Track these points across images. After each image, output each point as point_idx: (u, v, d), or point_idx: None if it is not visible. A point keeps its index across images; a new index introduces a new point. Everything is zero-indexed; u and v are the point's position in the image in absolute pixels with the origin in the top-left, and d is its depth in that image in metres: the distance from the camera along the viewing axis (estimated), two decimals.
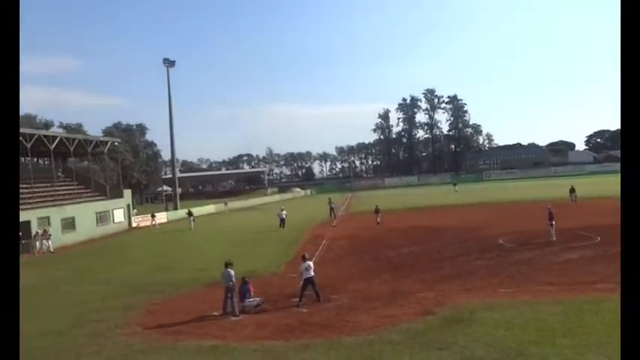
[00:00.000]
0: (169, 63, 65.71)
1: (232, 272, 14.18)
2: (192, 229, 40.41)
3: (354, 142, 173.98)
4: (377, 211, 34.16)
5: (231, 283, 13.91)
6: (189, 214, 44.61)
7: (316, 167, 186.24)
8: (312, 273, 14.70)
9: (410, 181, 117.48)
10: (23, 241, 31.24)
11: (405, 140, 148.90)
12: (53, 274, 22.27)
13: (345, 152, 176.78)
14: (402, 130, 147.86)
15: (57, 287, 18.04)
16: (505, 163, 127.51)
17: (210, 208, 64.26)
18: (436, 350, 9.63)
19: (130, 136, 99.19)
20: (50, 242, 33.15)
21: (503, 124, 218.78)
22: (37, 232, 33.23)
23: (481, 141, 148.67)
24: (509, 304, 12.41)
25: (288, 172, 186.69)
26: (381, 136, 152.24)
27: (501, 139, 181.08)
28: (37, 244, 32.80)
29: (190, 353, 10.50)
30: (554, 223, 22.61)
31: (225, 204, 62.84)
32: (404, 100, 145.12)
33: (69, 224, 38.69)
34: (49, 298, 15.65)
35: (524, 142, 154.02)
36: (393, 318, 12.19)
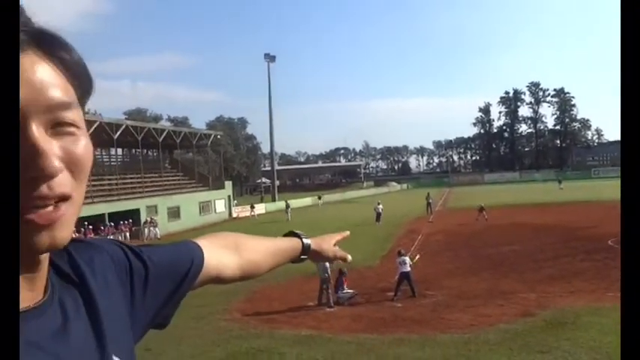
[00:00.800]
0: (270, 58, 67.37)
1: (328, 264, 14.34)
2: (289, 221, 41.23)
3: (452, 137, 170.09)
4: (481, 209, 33.03)
5: (326, 275, 14.09)
6: (287, 205, 45.62)
7: (413, 161, 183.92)
8: (409, 268, 14.60)
9: (511, 177, 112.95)
10: (133, 228, 33.29)
11: (506, 135, 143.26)
12: None
13: (443, 146, 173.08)
14: (504, 124, 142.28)
15: None
16: (617, 160, 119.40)
17: (306, 200, 65.30)
18: (536, 354, 9.28)
19: (232, 129, 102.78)
20: (157, 230, 35.09)
21: (615, 118, 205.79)
22: (145, 220, 35.32)
23: (590, 136, 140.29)
24: (617, 309, 11.67)
25: (384, 166, 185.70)
26: (481, 130, 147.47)
27: (613, 135, 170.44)
28: (146, 231, 34.88)
29: (287, 341, 10.77)
30: None
31: (319, 198, 63.64)
32: (506, 93, 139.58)
33: (174, 213, 40.75)
34: None
35: None
36: (490, 317, 11.85)
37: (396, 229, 30.90)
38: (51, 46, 0.65)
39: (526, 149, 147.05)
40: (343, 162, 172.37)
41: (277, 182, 79.13)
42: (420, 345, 10.11)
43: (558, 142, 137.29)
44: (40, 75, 0.62)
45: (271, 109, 68.90)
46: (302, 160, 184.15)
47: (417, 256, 17.87)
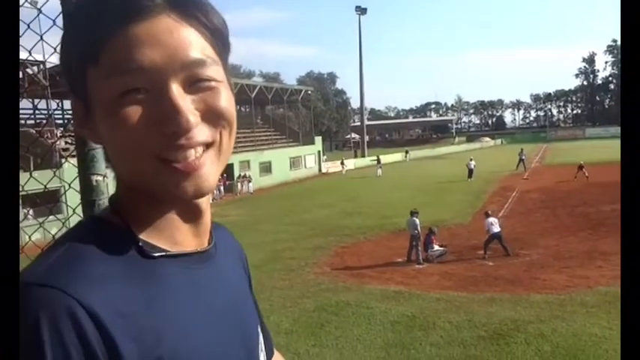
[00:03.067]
0: (361, 11, 66.39)
1: (417, 221, 14.25)
2: (379, 176, 41.18)
3: (551, 89, 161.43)
4: (581, 167, 31.25)
5: (416, 231, 14.01)
6: (378, 161, 45.43)
7: (508, 116, 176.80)
8: (499, 228, 14.22)
9: (616, 132, 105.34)
10: (227, 182, 34.48)
11: (612, 87, 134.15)
12: (253, 213, 24.33)
13: (542, 100, 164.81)
14: (610, 75, 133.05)
15: (256, 226, 19.70)
16: None
17: (396, 156, 64.74)
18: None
19: (322, 84, 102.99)
20: (251, 184, 36.15)
21: None
22: (239, 175, 36.43)
23: None
24: None
25: (477, 121, 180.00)
26: (584, 82, 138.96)
27: None
28: (239, 185, 36.01)
29: (375, 296, 10.87)
30: None
31: (406, 153, 62.75)
32: (614, 41, 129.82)
33: (266, 168, 41.74)
34: (249, 234, 17.09)
35: None
36: (588, 279, 11.37)
37: (489, 186, 30.06)
38: (185, 7, 0.68)
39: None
40: (434, 117, 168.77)
41: (367, 138, 78.84)
42: (512, 304, 9.89)
43: None
44: (175, 37, 0.66)
45: (361, 63, 68.26)
46: (392, 115, 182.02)
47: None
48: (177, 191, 0.68)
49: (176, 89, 0.66)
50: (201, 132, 0.68)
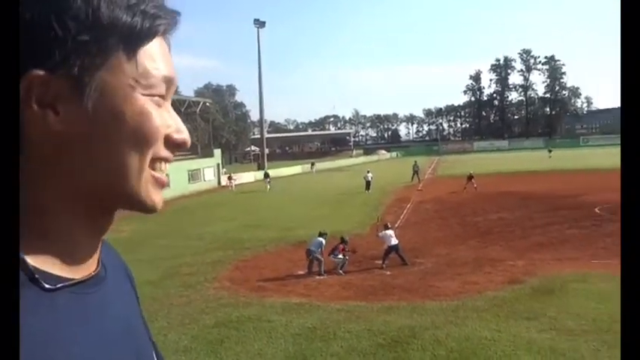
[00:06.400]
0: (260, 24, 66.45)
1: (324, 242, 14.37)
2: (268, 191, 40.79)
3: (442, 104, 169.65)
4: (470, 177, 33.00)
5: (319, 250, 14.09)
6: (266, 175, 45.22)
7: (403, 130, 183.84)
8: (397, 240, 14.70)
9: (501, 146, 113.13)
10: None
11: (496, 103, 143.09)
12: (149, 228, 23.48)
13: (433, 114, 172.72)
14: (494, 92, 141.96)
15: (153, 241, 19.05)
16: (605, 128, 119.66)
17: (296, 168, 65.19)
18: (523, 320, 9.40)
19: (220, 96, 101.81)
20: None
21: (605, 86, 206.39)
22: None
23: (579, 104, 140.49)
24: (603, 276, 11.80)
25: (374, 134, 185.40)
26: (472, 98, 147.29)
27: (602, 103, 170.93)
28: None
29: (276, 309, 10.82)
30: None
31: (312, 165, 63.34)
32: (497, 60, 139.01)
33: None
34: (144, 250, 16.48)
35: None
36: (478, 285, 11.97)
37: (386, 197, 30.99)
38: (168, 29, 0.69)
39: (516, 117, 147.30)
40: (333, 130, 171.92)
41: (267, 150, 78.81)
42: (409, 312, 10.20)
43: (548, 109, 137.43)
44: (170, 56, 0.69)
45: (261, 75, 68.27)
46: (291, 128, 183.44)
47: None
48: (153, 202, 0.69)
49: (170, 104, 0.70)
50: None
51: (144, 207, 0.68)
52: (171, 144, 0.67)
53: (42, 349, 0.57)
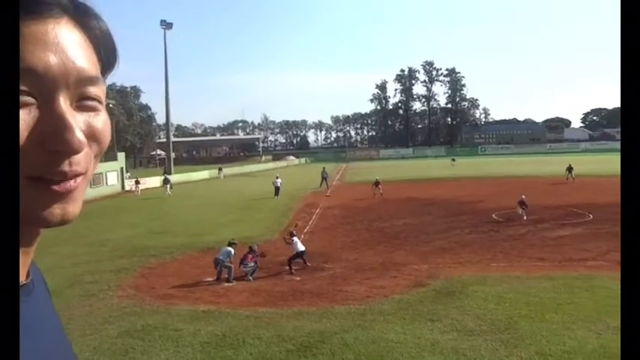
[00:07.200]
0: (166, 25, 64.87)
1: (233, 252, 14.20)
2: (168, 196, 39.70)
3: (350, 112, 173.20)
4: (377, 183, 33.83)
5: (228, 258, 13.94)
6: (166, 181, 43.66)
7: (311, 136, 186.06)
8: (304, 247, 14.95)
9: (405, 153, 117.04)
10: None
11: (401, 112, 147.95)
12: (47, 234, 22.01)
13: (341, 122, 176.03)
14: (399, 101, 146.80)
15: (51, 249, 18.02)
16: (501, 138, 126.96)
17: (204, 173, 64.03)
18: (427, 322, 9.74)
19: (124, 98, 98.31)
20: None
21: (500, 99, 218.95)
22: None
23: (478, 115, 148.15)
24: (500, 279, 12.53)
25: (283, 140, 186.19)
26: (378, 107, 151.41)
27: (498, 114, 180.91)
28: None
29: (184, 317, 10.57)
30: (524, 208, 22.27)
31: (220, 170, 62.44)
32: (402, 71, 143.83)
33: None
34: (43, 258, 15.47)
35: (521, 118, 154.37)
36: (385, 289, 12.29)
37: (295, 203, 31.12)
38: (85, 14, 0.62)
39: (419, 126, 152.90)
40: (241, 135, 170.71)
41: (173, 154, 76.85)
42: (318, 317, 10.29)
43: (449, 119, 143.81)
44: (74, 45, 0.59)
45: (167, 78, 66.52)
46: (199, 132, 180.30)
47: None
48: (46, 216, 0.60)
49: (64, 104, 0.58)
50: (84, 158, 0.62)
51: (34, 222, 0.61)
52: (48, 151, 0.57)
53: None
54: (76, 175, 0.61)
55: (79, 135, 0.59)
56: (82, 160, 0.61)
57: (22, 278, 0.68)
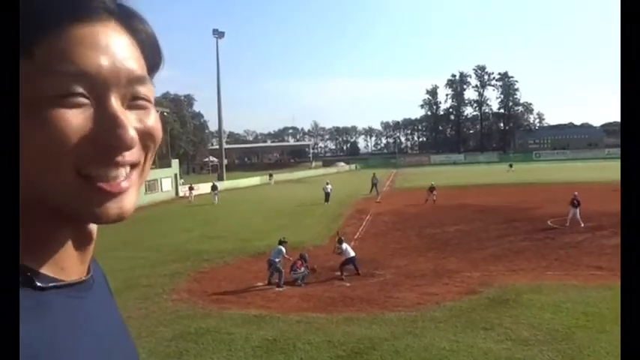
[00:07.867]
0: (219, 34, 66.16)
1: (284, 250, 14.35)
2: (217, 203, 39.74)
3: (400, 118, 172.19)
4: (432, 189, 33.37)
5: (277, 259, 14.07)
6: (213, 187, 43.65)
7: (361, 142, 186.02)
8: (353, 252, 14.88)
9: (456, 159, 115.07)
10: None
11: (452, 117, 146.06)
12: (106, 239, 22.86)
13: (391, 128, 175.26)
14: (450, 106, 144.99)
15: (110, 253, 18.58)
16: (556, 143, 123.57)
17: (255, 179, 64.80)
18: (480, 330, 9.55)
19: (178, 106, 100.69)
20: None
21: (555, 103, 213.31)
22: None
23: (532, 120, 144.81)
24: (557, 287, 12.16)
25: (333, 147, 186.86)
26: (428, 112, 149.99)
27: (553, 119, 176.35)
28: None
29: (236, 321, 10.71)
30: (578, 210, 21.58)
31: (270, 176, 63.05)
32: (453, 76, 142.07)
33: None
34: (102, 262, 15.84)
35: (577, 122, 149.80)
36: (436, 296, 12.12)
37: (345, 209, 31.09)
38: (130, 17, 0.65)
39: (471, 131, 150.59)
40: (292, 141, 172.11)
41: (225, 161, 78.12)
42: (368, 323, 10.25)
43: (502, 125, 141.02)
44: (122, 47, 0.63)
45: (219, 86, 67.89)
46: (250, 139, 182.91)
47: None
48: (99, 213, 0.62)
49: (116, 103, 0.61)
50: (136, 153, 0.65)
51: (87, 218, 0.65)
52: (101, 148, 0.60)
53: (37, 351, 0.56)
54: (130, 168, 0.64)
55: (132, 132, 0.61)
56: (134, 154, 0.64)
57: (82, 274, 0.72)
